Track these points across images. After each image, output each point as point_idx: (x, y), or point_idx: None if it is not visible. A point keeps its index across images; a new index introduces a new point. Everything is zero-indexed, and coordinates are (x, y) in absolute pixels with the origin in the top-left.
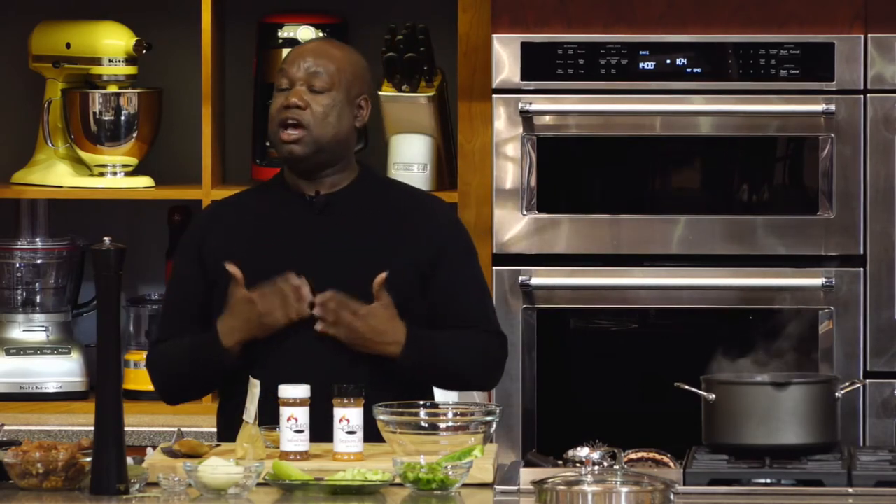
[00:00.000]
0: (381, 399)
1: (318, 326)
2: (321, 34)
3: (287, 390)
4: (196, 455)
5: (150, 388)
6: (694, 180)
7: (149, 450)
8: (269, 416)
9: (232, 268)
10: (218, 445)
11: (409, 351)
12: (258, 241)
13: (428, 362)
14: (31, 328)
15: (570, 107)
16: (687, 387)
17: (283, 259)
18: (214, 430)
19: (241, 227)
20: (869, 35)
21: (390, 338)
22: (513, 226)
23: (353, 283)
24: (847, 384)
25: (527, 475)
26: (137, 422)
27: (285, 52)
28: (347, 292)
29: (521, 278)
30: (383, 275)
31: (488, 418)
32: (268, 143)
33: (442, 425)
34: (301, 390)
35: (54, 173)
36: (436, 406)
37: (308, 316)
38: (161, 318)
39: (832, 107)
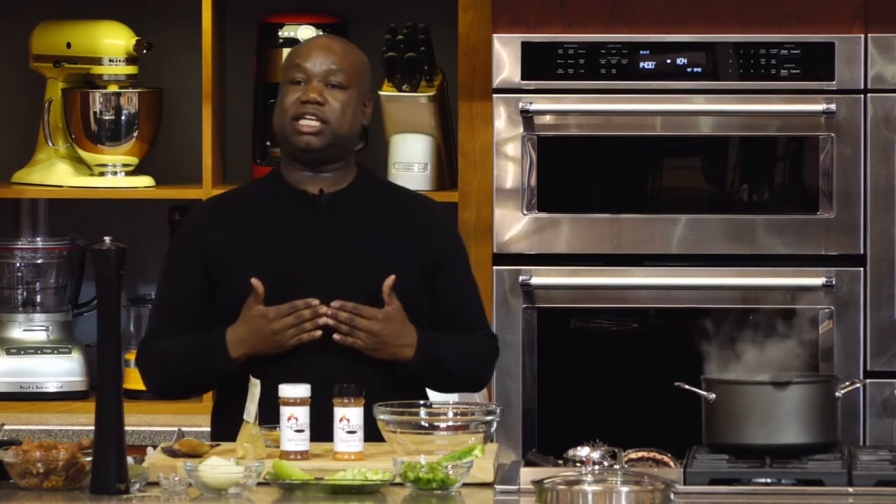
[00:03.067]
0: (378, 400)
1: (337, 337)
2: (321, 34)
3: (287, 390)
4: (196, 455)
5: None
6: (694, 180)
7: (149, 449)
8: (267, 418)
9: (256, 282)
10: (218, 445)
11: (420, 353)
12: (262, 238)
13: (437, 364)
14: (32, 328)
15: (570, 106)
16: (687, 387)
17: (288, 257)
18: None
19: (242, 224)
20: (869, 35)
21: (405, 340)
22: (513, 225)
23: (359, 283)
24: (847, 384)
25: (527, 475)
26: (137, 421)
27: (285, 51)
28: (353, 292)
29: (521, 278)
30: (392, 277)
31: (488, 418)
32: (268, 143)
33: (442, 425)
34: (301, 390)
35: (55, 173)
36: (436, 405)
37: (319, 338)
38: (153, 313)
39: (832, 106)
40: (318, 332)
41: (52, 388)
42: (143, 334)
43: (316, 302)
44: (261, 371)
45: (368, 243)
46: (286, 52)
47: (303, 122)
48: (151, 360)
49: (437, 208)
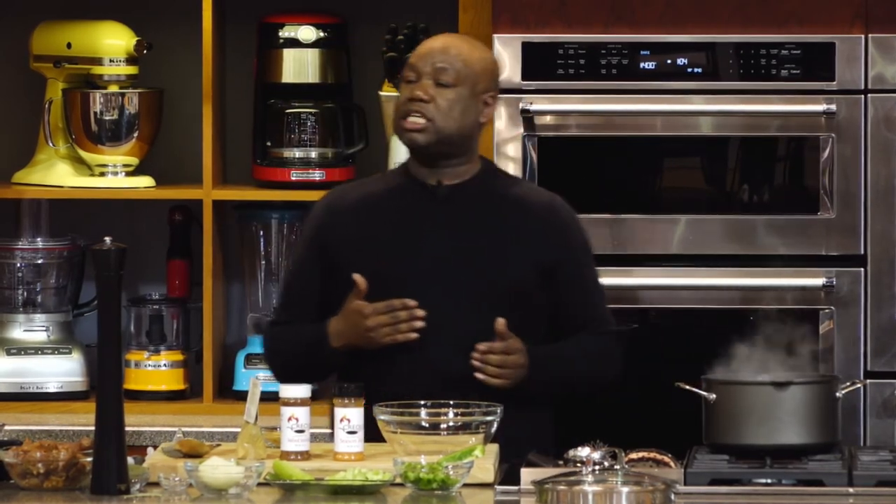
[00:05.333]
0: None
1: (480, 376)
2: (321, 34)
3: (287, 390)
4: (197, 455)
5: (150, 388)
6: (694, 180)
7: (149, 449)
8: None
9: (358, 277)
10: (218, 445)
11: (534, 372)
12: (379, 227)
13: (553, 378)
14: (32, 328)
15: (570, 107)
16: (687, 387)
17: (404, 246)
18: (214, 430)
19: (362, 213)
20: (869, 35)
21: (523, 362)
22: None
23: (472, 274)
24: (847, 384)
25: (527, 475)
26: (138, 422)
27: (286, 51)
28: (466, 283)
29: None
30: (503, 320)
31: (488, 418)
32: (268, 143)
33: (442, 425)
34: (301, 390)
35: (55, 173)
36: (436, 406)
37: (415, 340)
38: (279, 299)
39: (833, 107)
40: (413, 335)
41: (52, 388)
42: (269, 320)
43: (413, 303)
44: (358, 364)
45: (484, 237)
46: (286, 52)
47: (409, 119)
48: (272, 347)
49: (560, 207)
